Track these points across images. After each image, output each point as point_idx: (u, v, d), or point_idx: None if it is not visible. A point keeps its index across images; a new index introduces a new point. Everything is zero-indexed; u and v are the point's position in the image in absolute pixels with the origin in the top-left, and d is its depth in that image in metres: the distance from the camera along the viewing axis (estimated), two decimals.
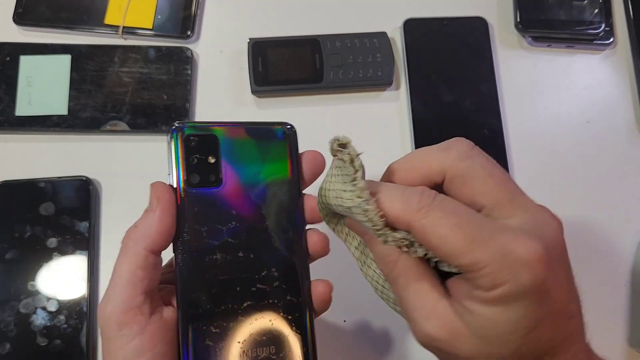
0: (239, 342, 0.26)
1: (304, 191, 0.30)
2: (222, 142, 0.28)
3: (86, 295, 0.45)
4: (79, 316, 0.44)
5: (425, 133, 0.50)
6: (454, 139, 0.25)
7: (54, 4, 0.52)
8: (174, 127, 0.28)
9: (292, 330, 0.28)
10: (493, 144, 0.50)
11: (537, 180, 0.50)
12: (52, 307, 0.44)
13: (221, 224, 0.27)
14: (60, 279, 0.45)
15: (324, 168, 0.30)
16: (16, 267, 0.45)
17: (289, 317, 0.28)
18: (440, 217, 0.22)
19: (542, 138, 0.51)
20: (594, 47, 0.54)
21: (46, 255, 0.45)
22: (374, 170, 0.50)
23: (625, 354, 0.47)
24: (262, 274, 0.28)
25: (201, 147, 0.28)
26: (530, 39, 0.54)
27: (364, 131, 0.51)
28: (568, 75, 0.53)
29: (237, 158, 0.28)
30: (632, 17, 0.54)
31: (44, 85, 0.49)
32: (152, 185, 0.27)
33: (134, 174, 0.49)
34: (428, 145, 0.48)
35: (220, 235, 0.27)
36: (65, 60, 0.50)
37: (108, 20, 0.51)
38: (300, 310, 0.28)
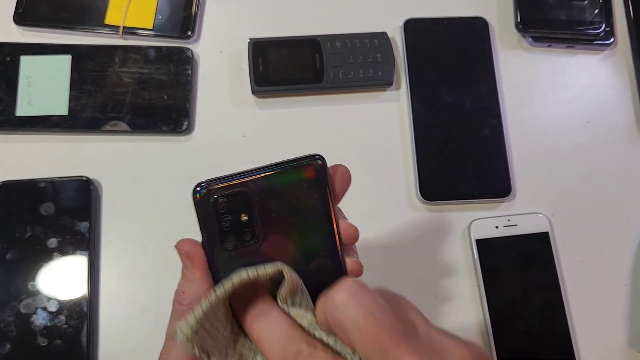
0: None
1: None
2: (252, 196, 0.26)
3: (86, 295, 0.45)
4: (80, 316, 0.44)
5: (425, 133, 0.50)
6: (341, 282, 0.23)
7: (54, 4, 0.52)
8: (198, 189, 0.26)
9: None
10: (493, 144, 0.50)
11: (537, 180, 0.50)
12: (53, 307, 0.44)
13: None
14: (61, 279, 0.45)
15: (350, 181, 0.29)
16: (16, 267, 0.45)
17: None
18: None
19: (542, 138, 0.52)
20: (594, 47, 0.54)
21: (46, 255, 0.45)
22: (374, 170, 0.50)
23: (625, 354, 0.47)
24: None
25: (232, 207, 0.26)
26: (530, 39, 0.54)
27: (364, 131, 0.51)
28: (568, 75, 0.53)
29: (270, 208, 0.26)
30: (632, 17, 0.54)
31: (44, 85, 0.49)
32: (179, 243, 0.26)
33: (134, 174, 0.49)
34: (428, 146, 0.49)
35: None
36: (65, 60, 0.50)
37: (108, 20, 0.51)
38: None
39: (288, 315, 0.25)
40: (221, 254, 0.26)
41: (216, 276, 0.26)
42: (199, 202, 0.26)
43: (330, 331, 0.24)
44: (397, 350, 0.21)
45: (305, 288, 0.26)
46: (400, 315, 0.23)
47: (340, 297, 0.23)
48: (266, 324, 0.24)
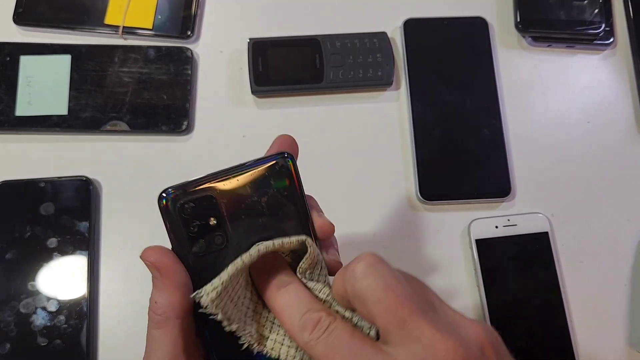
0: None
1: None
2: (219, 199, 0.26)
3: (86, 295, 0.45)
4: (79, 316, 0.44)
5: (425, 133, 0.50)
6: (360, 255, 0.24)
7: (54, 4, 0.52)
8: (164, 196, 0.25)
9: None
10: (493, 144, 0.50)
11: (537, 180, 0.50)
12: (52, 307, 0.44)
13: None
14: (61, 279, 0.45)
15: (295, 147, 0.29)
16: (16, 267, 0.45)
17: None
18: (322, 352, 0.23)
19: (542, 138, 0.52)
20: (594, 47, 0.54)
21: (46, 255, 0.45)
22: (374, 170, 0.50)
23: (625, 354, 0.47)
24: None
25: (199, 212, 0.25)
26: (530, 39, 0.53)
27: (364, 131, 0.51)
28: (568, 75, 0.53)
29: (239, 210, 0.26)
30: (632, 17, 0.54)
31: (44, 85, 0.49)
32: (144, 254, 0.25)
33: (134, 174, 0.49)
34: (428, 146, 0.49)
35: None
36: (65, 60, 0.50)
37: (108, 20, 0.51)
38: None
39: (307, 288, 0.25)
40: (193, 259, 0.26)
41: (194, 279, 0.25)
42: (164, 208, 0.25)
43: (348, 306, 0.24)
44: (415, 321, 0.22)
45: (324, 263, 0.26)
46: (417, 290, 0.24)
47: (361, 269, 0.23)
48: (286, 294, 0.25)
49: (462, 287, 0.47)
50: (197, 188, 0.26)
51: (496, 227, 0.48)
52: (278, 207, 0.26)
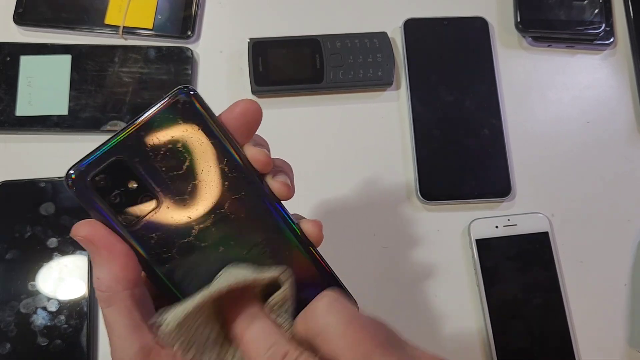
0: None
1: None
2: (130, 159, 0.23)
3: (86, 295, 0.45)
4: (80, 316, 0.44)
5: (425, 133, 0.50)
6: (320, 294, 0.23)
7: (54, 4, 0.52)
8: (70, 173, 0.23)
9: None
10: (493, 144, 0.50)
11: (537, 180, 0.50)
12: (53, 307, 0.44)
13: (181, 237, 0.24)
14: (61, 279, 0.45)
15: (259, 117, 0.26)
16: (16, 267, 0.45)
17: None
18: None
19: (542, 138, 0.52)
20: (594, 47, 0.54)
21: (46, 255, 0.45)
22: (373, 170, 0.50)
23: (625, 354, 0.47)
24: (250, 250, 0.25)
25: (113, 180, 0.23)
26: (530, 39, 0.54)
27: (364, 131, 0.51)
28: (568, 75, 0.53)
29: (156, 163, 0.24)
30: (632, 17, 0.54)
31: (44, 85, 0.49)
32: (73, 230, 0.24)
33: None
34: (428, 146, 0.49)
35: (188, 244, 0.24)
36: (65, 60, 0.50)
37: (108, 20, 0.51)
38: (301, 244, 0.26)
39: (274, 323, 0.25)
40: (128, 231, 0.23)
41: (139, 251, 0.24)
42: (74, 187, 0.23)
43: (309, 349, 0.23)
44: (380, 354, 0.21)
45: (294, 302, 0.25)
46: (379, 326, 0.23)
47: (322, 306, 0.23)
48: (254, 326, 0.24)
49: (462, 287, 0.47)
50: (102, 154, 0.23)
51: (496, 227, 0.48)
52: (197, 146, 0.24)
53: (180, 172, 0.24)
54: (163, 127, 0.24)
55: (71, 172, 0.23)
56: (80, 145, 0.49)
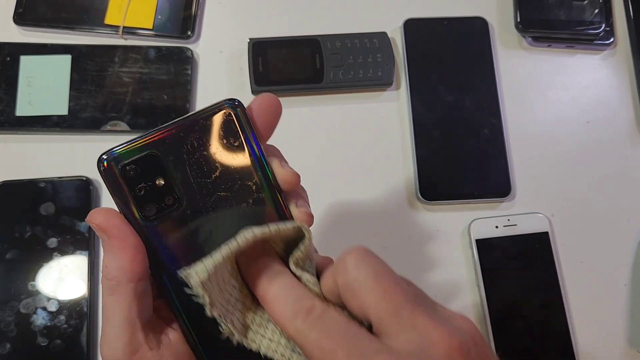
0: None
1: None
2: (163, 156, 0.24)
3: (86, 295, 0.45)
4: (79, 316, 0.44)
5: (425, 133, 0.50)
6: (349, 248, 0.23)
7: (54, 4, 0.52)
8: (104, 158, 0.23)
9: None
10: (493, 144, 0.50)
11: (537, 180, 0.50)
12: (53, 307, 0.44)
13: (193, 244, 0.24)
14: (61, 279, 0.45)
15: (279, 110, 0.26)
16: (16, 267, 0.45)
17: None
18: (315, 338, 0.21)
19: (542, 138, 0.52)
20: (594, 47, 0.54)
21: (46, 255, 0.45)
22: (373, 170, 0.50)
23: (625, 354, 0.47)
24: None
25: (143, 173, 0.23)
26: (530, 39, 0.54)
27: (364, 131, 0.51)
28: (568, 75, 0.53)
29: (187, 166, 0.24)
30: (632, 17, 0.54)
31: (44, 85, 0.49)
32: (90, 216, 0.24)
33: None
34: (428, 146, 0.49)
35: (199, 252, 0.24)
36: (65, 60, 0.50)
37: (108, 20, 0.51)
38: None
39: (298, 278, 0.24)
40: (144, 224, 0.24)
41: (149, 245, 0.24)
42: (105, 172, 0.23)
43: (337, 303, 0.23)
44: (410, 309, 0.21)
45: (313, 256, 0.25)
46: (407, 282, 0.23)
47: (351, 260, 0.22)
48: (277, 284, 0.23)
49: (462, 287, 0.47)
50: (137, 146, 0.23)
51: (496, 227, 0.48)
52: (231, 160, 0.24)
53: (208, 180, 0.24)
54: (203, 133, 0.24)
55: (104, 156, 0.23)
56: (80, 145, 0.50)
